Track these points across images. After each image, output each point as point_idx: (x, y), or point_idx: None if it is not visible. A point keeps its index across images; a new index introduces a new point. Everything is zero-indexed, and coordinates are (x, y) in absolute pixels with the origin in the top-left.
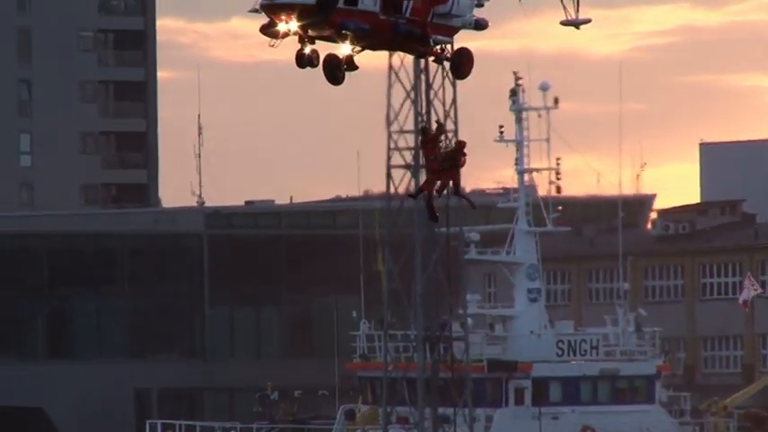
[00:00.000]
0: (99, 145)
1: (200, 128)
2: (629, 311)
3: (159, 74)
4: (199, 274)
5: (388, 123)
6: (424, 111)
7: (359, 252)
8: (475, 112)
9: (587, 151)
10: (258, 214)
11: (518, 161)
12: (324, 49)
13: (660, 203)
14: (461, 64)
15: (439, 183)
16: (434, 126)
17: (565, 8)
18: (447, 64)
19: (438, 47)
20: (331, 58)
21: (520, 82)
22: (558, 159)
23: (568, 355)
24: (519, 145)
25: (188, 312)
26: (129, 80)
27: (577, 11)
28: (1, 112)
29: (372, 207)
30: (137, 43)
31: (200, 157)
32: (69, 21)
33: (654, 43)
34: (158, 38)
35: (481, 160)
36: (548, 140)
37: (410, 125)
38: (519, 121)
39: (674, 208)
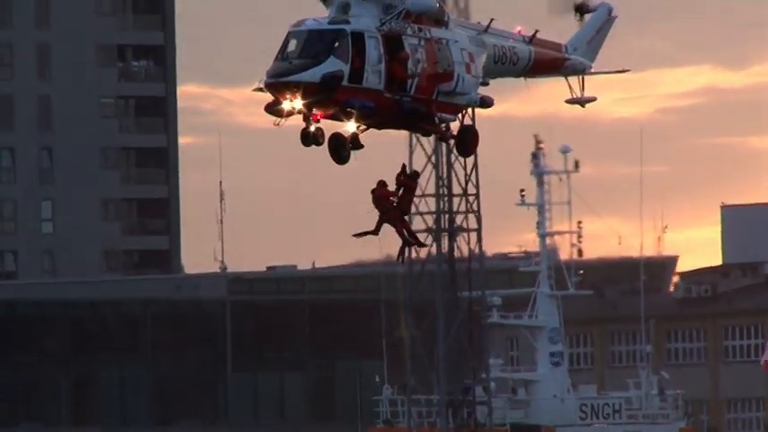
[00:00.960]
0: (121, 211)
1: (221, 193)
2: (652, 374)
3: (181, 140)
4: (222, 340)
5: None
6: (444, 175)
7: (381, 317)
8: (496, 175)
9: (609, 214)
10: (280, 280)
11: (539, 224)
12: (329, 127)
13: (682, 266)
14: (467, 142)
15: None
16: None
17: (570, 87)
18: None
19: (443, 125)
20: (336, 137)
21: (541, 145)
22: (579, 223)
23: (591, 418)
24: (540, 208)
25: (211, 378)
26: (150, 146)
27: (582, 89)
28: (23, 180)
29: (394, 272)
30: (158, 110)
31: (222, 222)
32: (90, 88)
33: (677, 105)
34: (181, 104)
35: (503, 224)
36: (569, 204)
37: (431, 189)
38: (540, 184)
39: (696, 270)
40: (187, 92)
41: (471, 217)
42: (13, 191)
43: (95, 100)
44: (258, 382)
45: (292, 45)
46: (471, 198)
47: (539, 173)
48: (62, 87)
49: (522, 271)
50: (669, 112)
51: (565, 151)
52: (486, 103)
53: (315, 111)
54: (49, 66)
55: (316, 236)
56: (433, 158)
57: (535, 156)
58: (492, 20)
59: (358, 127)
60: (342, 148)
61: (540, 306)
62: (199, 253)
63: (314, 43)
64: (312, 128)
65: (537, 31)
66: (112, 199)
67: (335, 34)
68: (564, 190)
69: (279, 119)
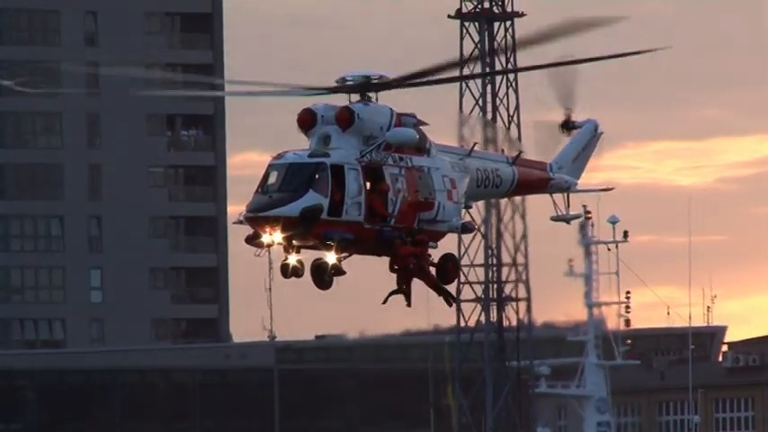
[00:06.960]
0: (169, 280)
1: (270, 262)
2: None
3: (232, 208)
4: (270, 408)
5: (459, 257)
6: (494, 244)
7: (429, 386)
8: (544, 245)
9: (662, 283)
10: (329, 349)
11: (587, 295)
12: (311, 255)
13: (731, 336)
14: (447, 270)
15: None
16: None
17: (555, 204)
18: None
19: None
20: (318, 265)
21: (589, 215)
22: (628, 292)
23: None
24: (587, 279)
25: None
26: (199, 215)
27: (567, 206)
28: (72, 248)
29: (442, 341)
30: (207, 178)
31: (270, 291)
32: (139, 156)
33: (738, 175)
34: (241, 172)
35: (551, 293)
36: (617, 274)
37: (480, 259)
38: (588, 254)
39: (745, 340)
40: (248, 160)
41: (521, 286)
42: (62, 259)
43: (144, 169)
44: None
45: (272, 177)
46: (520, 268)
47: (586, 243)
48: (111, 156)
49: (570, 340)
50: (729, 182)
51: (613, 222)
52: (467, 228)
53: (294, 243)
54: (98, 134)
55: (364, 305)
56: (483, 228)
57: (583, 226)
58: (475, 143)
59: (338, 257)
60: (324, 275)
61: (588, 376)
62: (247, 321)
63: (293, 177)
64: (292, 261)
65: (521, 152)
66: (161, 267)
67: (315, 167)
68: (613, 260)
69: (260, 249)
